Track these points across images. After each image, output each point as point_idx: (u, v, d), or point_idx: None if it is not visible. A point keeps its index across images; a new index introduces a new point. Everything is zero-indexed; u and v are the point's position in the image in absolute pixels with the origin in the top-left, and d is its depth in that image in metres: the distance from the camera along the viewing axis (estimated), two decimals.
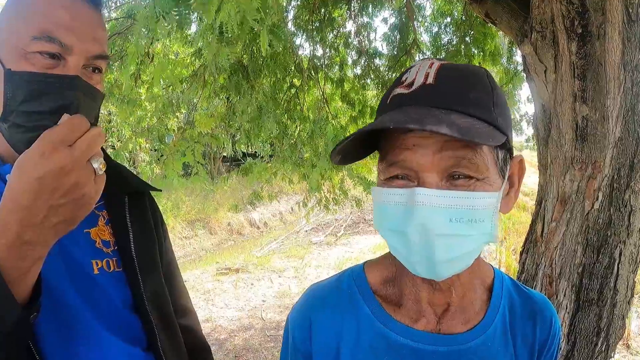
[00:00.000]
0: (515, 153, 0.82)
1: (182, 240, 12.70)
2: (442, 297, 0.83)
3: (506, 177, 0.76)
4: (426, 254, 0.71)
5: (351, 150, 0.78)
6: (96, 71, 0.99)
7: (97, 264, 1.02)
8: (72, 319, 0.95)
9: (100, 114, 1.11)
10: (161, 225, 1.24)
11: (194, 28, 3.87)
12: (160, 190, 1.25)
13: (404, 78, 0.77)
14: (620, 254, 2.01)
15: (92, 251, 1.02)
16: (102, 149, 1.18)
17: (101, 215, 1.07)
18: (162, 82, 4.42)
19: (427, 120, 0.66)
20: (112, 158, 1.21)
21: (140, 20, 1.70)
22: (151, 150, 5.99)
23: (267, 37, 2.14)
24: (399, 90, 0.76)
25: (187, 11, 1.59)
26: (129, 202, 1.12)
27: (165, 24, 1.71)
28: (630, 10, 1.84)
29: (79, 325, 0.95)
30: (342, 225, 13.93)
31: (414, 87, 0.74)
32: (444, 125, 0.64)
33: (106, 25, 1.06)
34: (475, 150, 0.70)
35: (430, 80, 0.73)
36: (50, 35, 0.89)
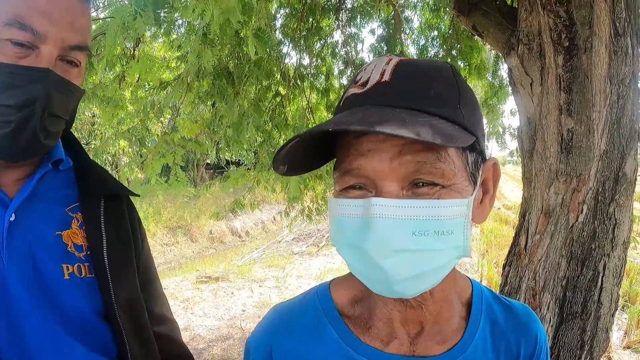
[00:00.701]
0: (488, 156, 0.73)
1: (162, 247, 12.55)
2: (415, 315, 0.74)
3: (478, 183, 0.68)
4: (385, 272, 0.62)
5: (300, 159, 0.69)
6: (73, 64, 0.93)
7: (68, 269, 0.96)
8: (27, 323, 0.90)
9: (83, 116, 1.06)
10: (139, 230, 1.18)
11: (181, 31, 3.84)
12: (138, 195, 1.18)
13: (359, 77, 0.69)
14: (604, 267, 2.01)
15: (63, 255, 0.97)
16: (82, 148, 1.14)
17: (75, 217, 1.02)
18: (146, 85, 4.37)
19: (376, 120, 0.58)
20: (91, 158, 1.16)
21: (116, 15, 1.66)
22: (134, 154, 5.92)
23: (252, 41, 2.12)
24: (352, 89, 0.68)
25: (165, 9, 1.55)
26: (105, 205, 1.06)
27: (143, 21, 1.66)
28: (617, 24, 1.85)
29: (37, 330, 0.90)
30: (324, 236, 13.90)
31: (368, 86, 0.66)
32: (394, 125, 0.56)
33: (92, 25, 1.00)
34: (439, 154, 0.61)
35: (385, 77, 0.65)
36: (22, 21, 0.83)
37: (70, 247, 0.99)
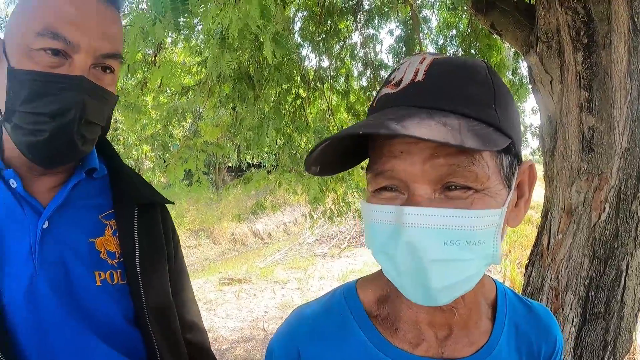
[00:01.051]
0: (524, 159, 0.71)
1: (185, 250, 12.68)
2: (444, 318, 0.74)
3: (513, 187, 0.66)
4: (419, 281, 0.62)
5: (332, 159, 0.69)
6: (107, 71, 0.94)
7: (100, 276, 0.98)
8: (55, 329, 0.91)
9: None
10: (172, 237, 1.18)
11: (201, 37, 3.89)
12: (173, 203, 1.19)
13: (392, 76, 0.68)
14: (627, 266, 1.98)
15: (95, 262, 0.98)
16: (117, 155, 1.16)
17: (109, 224, 1.03)
18: (167, 90, 4.43)
19: (407, 123, 0.56)
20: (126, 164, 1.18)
21: (136, 21, 1.69)
22: (156, 158, 6.00)
23: (270, 45, 2.14)
24: (385, 90, 0.67)
25: (185, 15, 1.58)
26: (139, 212, 1.06)
27: (162, 27, 1.69)
28: (636, 20, 1.83)
29: (65, 336, 0.92)
30: (346, 237, 13.89)
31: (401, 86, 0.65)
32: (424, 129, 0.55)
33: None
34: (473, 157, 0.60)
35: (419, 77, 0.64)
36: (55, 31, 0.85)
37: (103, 254, 1.00)
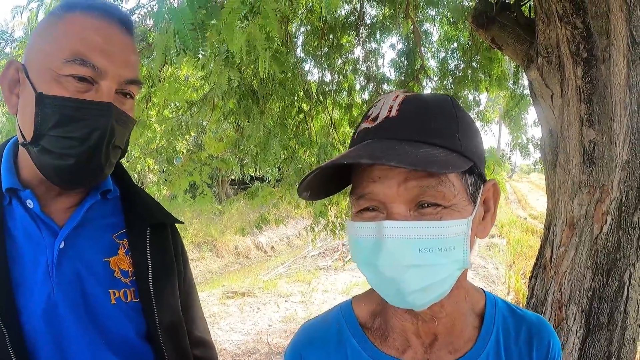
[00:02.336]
0: (501, 173, 0.80)
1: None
2: (427, 328, 0.81)
3: (478, 203, 0.75)
4: (397, 285, 0.71)
5: (319, 185, 0.78)
6: (128, 96, 0.98)
7: (115, 294, 1.00)
8: (73, 347, 0.93)
9: None
10: (182, 255, 1.21)
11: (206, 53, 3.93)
12: (183, 222, 1.22)
13: (370, 112, 0.78)
14: (630, 277, 1.99)
15: (110, 281, 1.00)
16: (129, 176, 1.19)
17: (122, 244, 1.05)
18: (172, 105, 4.47)
19: (383, 153, 0.67)
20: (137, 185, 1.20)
21: (159, 49, 1.72)
22: (160, 172, 6.03)
23: (265, 62, 2.18)
24: (364, 124, 0.77)
25: (203, 43, 1.62)
26: (151, 232, 1.09)
27: (184, 57, 1.72)
28: (634, 33, 1.85)
29: (83, 354, 0.94)
30: (349, 250, 13.85)
31: (377, 121, 0.75)
32: (397, 157, 0.65)
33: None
34: (440, 179, 0.70)
35: (393, 113, 0.74)
36: (84, 58, 0.88)
37: (117, 273, 1.02)
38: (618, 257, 1.99)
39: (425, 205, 0.70)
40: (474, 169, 0.74)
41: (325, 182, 0.79)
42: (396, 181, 0.70)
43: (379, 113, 0.76)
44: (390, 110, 0.75)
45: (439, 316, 0.80)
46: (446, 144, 0.72)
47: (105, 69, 0.90)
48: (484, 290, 0.91)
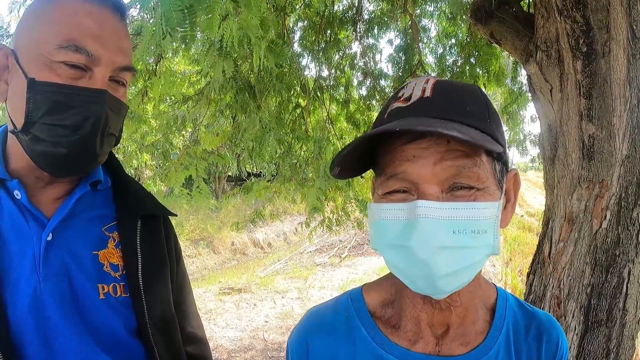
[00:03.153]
0: (511, 168, 0.80)
1: (185, 259, 12.57)
2: (442, 317, 0.80)
3: (503, 190, 0.75)
4: (429, 268, 0.68)
5: (350, 162, 0.77)
6: (121, 83, 0.96)
7: (104, 289, 0.97)
8: (60, 341, 0.91)
9: None
10: (174, 248, 1.18)
11: (199, 46, 3.91)
12: (176, 215, 1.19)
13: (400, 93, 0.76)
14: (629, 273, 1.97)
15: (99, 275, 0.98)
16: (121, 166, 1.16)
17: (111, 237, 1.03)
18: (168, 99, 4.44)
19: (428, 125, 0.66)
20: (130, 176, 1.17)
21: (145, 35, 1.71)
22: (156, 167, 6.02)
23: (258, 53, 2.16)
24: (396, 104, 0.75)
25: (193, 28, 1.60)
26: (142, 224, 1.06)
27: (171, 41, 1.71)
28: (634, 27, 1.84)
29: (69, 348, 0.92)
30: (346, 247, 13.87)
31: (411, 101, 0.73)
32: (449, 129, 0.63)
33: None
34: (475, 160, 0.69)
35: (427, 93, 0.73)
36: (77, 44, 0.86)
37: (106, 267, 0.99)
38: (617, 253, 1.98)
39: (459, 187, 0.69)
40: (502, 155, 0.74)
41: (355, 160, 0.77)
42: (432, 160, 0.68)
43: (411, 93, 0.74)
44: (423, 91, 0.73)
45: (455, 305, 0.79)
46: (481, 126, 0.71)
47: (99, 55, 0.88)
48: (495, 286, 0.90)
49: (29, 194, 0.94)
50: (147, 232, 1.07)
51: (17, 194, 0.93)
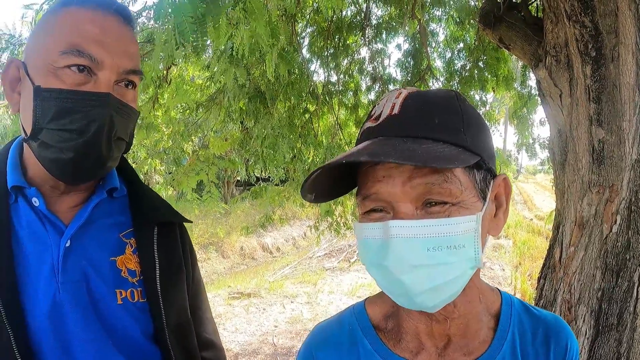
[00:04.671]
0: (507, 174, 0.80)
1: None
2: (441, 329, 0.79)
3: (487, 198, 0.74)
4: (405, 286, 0.69)
5: (325, 187, 0.77)
6: (130, 86, 0.96)
7: (121, 294, 0.98)
8: (79, 347, 0.93)
9: None
10: (190, 255, 1.19)
11: (209, 52, 3.94)
12: (191, 222, 1.20)
13: (373, 111, 0.77)
14: (639, 277, 1.97)
15: (117, 280, 0.99)
16: (136, 174, 1.16)
17: (129, 243, 1.04)
18: (178, 106, 4.48)
19: (383, 151, 0.66)
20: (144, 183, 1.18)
21: (158, 45, 1.73)
22: (166, 173, 6.05)
23: (272, 61, 2.18)
24: (368, 124, 0.76)
25: (203, 37, 1.62)
26: (159, 231, 1.07)
27: (183, 50, 1.73)
28: None
29: (88, 354, 0.93)
30: (355, 251, 13.83)
31: (380, 120, 0.74)
32: (397, 154, 0.64)
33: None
34: (445, 175, 0.68)
35: (395, 110, 0.73)
36: (80, 49, 0.87)
37: (124, 273, 1.00)
38: (627, 258, 1.98)
39: (433, 203, 0.69)
40: (482, 163, 0.73)
41: (331, 184, 0.78)
42: (400, 180, 0.68)
43: (381, 111, 0.75)
44: (392, 108, 0.73)
45: (453, 317, 0.78)
46: (450, 139, 0.70)
47: (102, 59, 0.88)
48: (499, 290, 0.89)
49: (47, 202, 0.96)
50: (164, 239, 1.08)
51: (36, 201, 0.94)
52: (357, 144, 0.77)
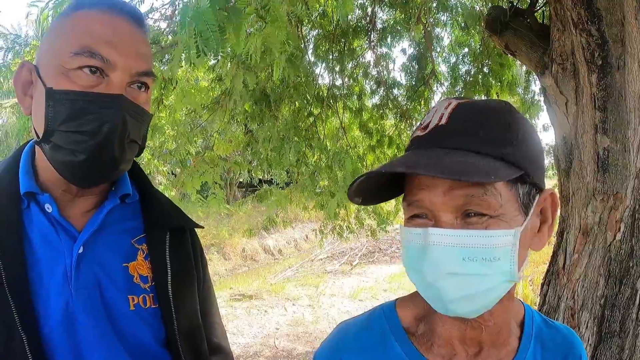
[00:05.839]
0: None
1: None
2: (474, 335, 0.80)
3: (530, 213, 0.73)
4: (438, 292, 0.71)
5: (373, 192, 0.80)
6: (142, 88, 0.95)
7: (133, 300, 0.98)
8: (91, 352, 0.92)
9: None
10: (200, 258, 1.18)
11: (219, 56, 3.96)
12: (202, 227, 1.19)
13: (424, 120, 0.78)
14: None
15: (129, 286, 0.99)
16: (147, 179, 1.15)
17: (141, 249, 1.03)
18: (183, 108, 4.49)
19: (422, 162, 0.69)
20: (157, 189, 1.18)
21: (177, 52, 1.72)
22: (169, 174, 6.06)
23: (280, 66, 2.20)
24: (417, 133, 0.78)
25: (225, 44, 1.62)
26: (170, 237, 1.07)
27: (204, 56, 1.74)
28: None
29: (102, 358, 0.93)
30: (357, 254, 13.83)
31: (428, 129, 0.75)
32: (433, 167, 0.66)
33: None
34: (485, 188, 0.69)
35: (443, 121, 0.74)
36: (91, 50, 0.86)
37: (136, 279, 1.00)
38: (631, 265, 1.99)
39: (472, 214, 0.70)
40: (526, 178, 0.73)
41: (377, 188, 0.80)
42: (442, 190, 0.70)
43: (430, 121, 0.76)
44: (440, 118, 0.75)
45: (487, 324, 0.79)
46: (493, 152, 0.71)
47: (114, 60, 0.88)
48: (521, 301, 0.91)
49: (59, 208, 0.95)
50: (176, 245, 1.08)
51: (48, 207, 0.93)
52: (405, 151, 0.80)
